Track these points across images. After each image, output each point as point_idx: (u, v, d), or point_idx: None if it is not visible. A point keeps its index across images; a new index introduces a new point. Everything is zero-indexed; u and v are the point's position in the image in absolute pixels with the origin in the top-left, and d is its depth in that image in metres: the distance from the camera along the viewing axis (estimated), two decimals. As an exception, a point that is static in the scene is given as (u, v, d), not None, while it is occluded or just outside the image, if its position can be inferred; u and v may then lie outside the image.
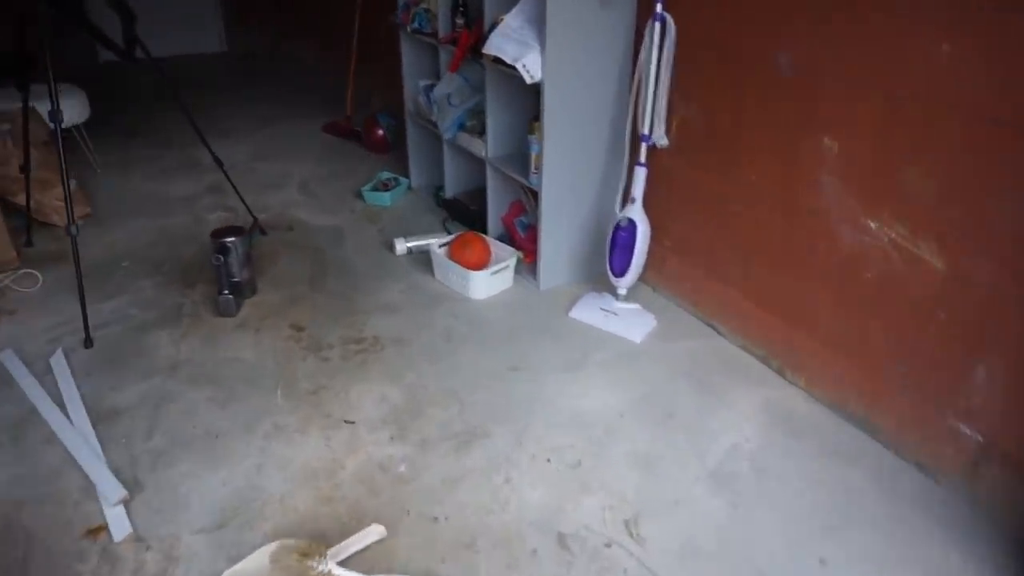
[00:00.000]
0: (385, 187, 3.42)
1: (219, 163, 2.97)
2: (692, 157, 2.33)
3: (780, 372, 2.20)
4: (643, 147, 2.29)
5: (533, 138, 2.45)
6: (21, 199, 2.98)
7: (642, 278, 2.50)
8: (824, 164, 1.90)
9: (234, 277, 2.52)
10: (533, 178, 2.51)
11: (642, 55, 2.22)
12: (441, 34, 2.83)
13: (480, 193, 2.93)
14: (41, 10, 2.28)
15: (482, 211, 2.92)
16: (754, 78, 2.05)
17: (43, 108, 3.40)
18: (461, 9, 2.70)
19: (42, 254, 2.91)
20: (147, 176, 3.75)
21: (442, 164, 3.16)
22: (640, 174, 2.31)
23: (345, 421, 1.99)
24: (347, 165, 3.89)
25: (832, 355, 2.02)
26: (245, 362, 2.28)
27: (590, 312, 2.47)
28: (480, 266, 2.63)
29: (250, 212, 3.10)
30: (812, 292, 2.04)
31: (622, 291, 2.44)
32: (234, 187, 3.07)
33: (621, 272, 2.39)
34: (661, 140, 2.30)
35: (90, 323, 2.39)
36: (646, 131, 2.27)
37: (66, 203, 2.38)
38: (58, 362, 2.26)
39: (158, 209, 3.36)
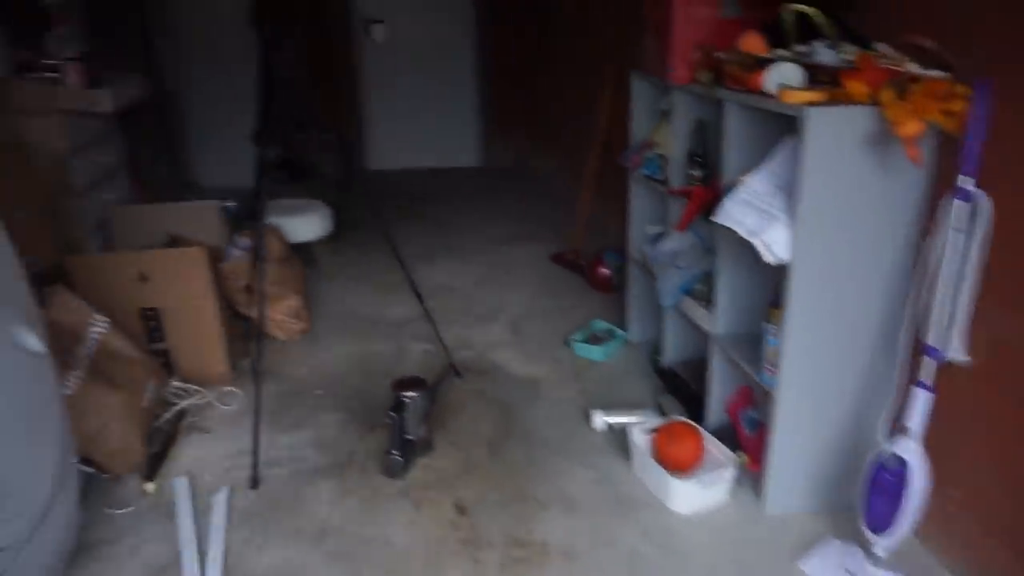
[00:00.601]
0: (598, 340, 3.05)
1: (419, 298, 2.84)
2: (1012, 388, 1.63)
3: None
4: (928, 363, 1.66)
5: (771, 327, 1.92)
6: (249, 311, 3.10)
7: (914, 531, 1.80)
8: None
9: (408, 434, 2.28)
10: (767, 375, 1.97)
11: (934, 242, 1.63)
12: (672, 185, 2.45)
13: (703, 365, 2.43)
14: (267, 156, 2.33)
15: (702, 391, 2.41)
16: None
17: (285, 224, 3.63)
18: (698, 160, 2.31)
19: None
20: (368, 294, 3.79)
21: (664, 321, 2.73)
22: (921, 398, 1.67)
23: None
24: (567, 302, 3.61)
25: None
26: (393, 546, 1.98)
27: (830, 571, 1.82)
28: (687, 468, 2.12)
29: (447, 353, 2.91)
30: None
31: (880, 552, 1.77)
32: (434, 327, 2.91)
33: (881, 527, 1.73)
34: (958, 356, 1.65)
35: (263, 459, 2.30)
36: (934, 342, 1.65)
37: (255, 347, 2.34)
38: (219, 503, 2.16)
39: (368, 331, 3.33)
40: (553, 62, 5.44)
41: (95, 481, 2.23)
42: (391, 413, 2.24)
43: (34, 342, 1.77)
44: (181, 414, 2.58)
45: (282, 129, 2.48)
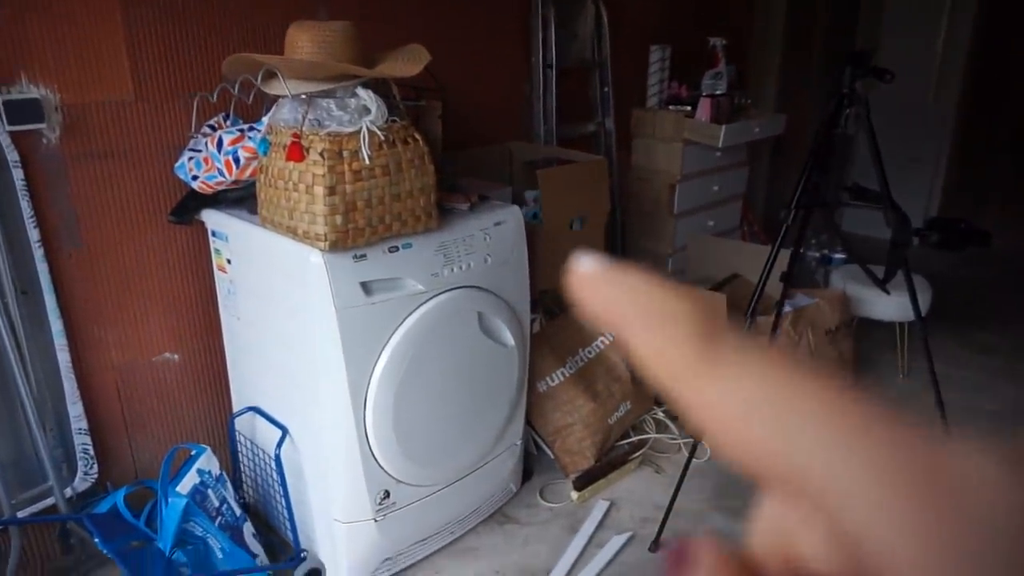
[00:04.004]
0: None
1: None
2: None
3: None
4: None
5: None
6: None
7: None
8: None
9: None
10: None
11: None
12: None
13: None
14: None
15: None
16: None
17: (861, 293, 3.13)
18: None
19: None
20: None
21: None
22: None
23: None
24: None
25: None
26: None
27: None
28: None
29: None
30: None
31: None
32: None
33: None
34: None
35: (678, 527, 2.20)
36: None
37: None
38: (613, 545, 2.17)
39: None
40: None
41: (550, 467, 2.52)
42: None
43: (508, 338, 2.12)
44: (642, 443, 2.63)
45: (828, 193, 2.17)
